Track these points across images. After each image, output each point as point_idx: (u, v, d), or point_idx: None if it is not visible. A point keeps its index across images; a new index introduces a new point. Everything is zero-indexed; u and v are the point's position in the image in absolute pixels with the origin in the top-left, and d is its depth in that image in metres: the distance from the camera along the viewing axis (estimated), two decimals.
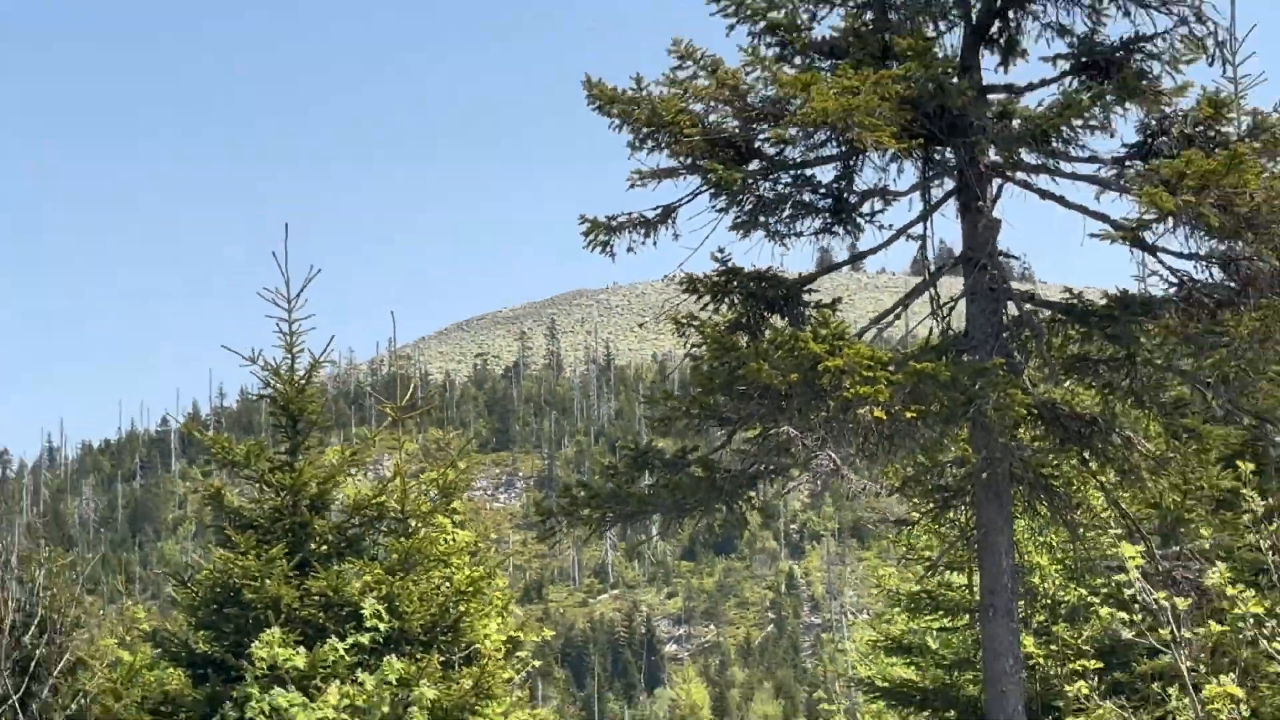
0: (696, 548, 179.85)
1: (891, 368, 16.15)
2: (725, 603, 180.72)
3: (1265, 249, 16.31)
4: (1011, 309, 17.65)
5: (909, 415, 15.90)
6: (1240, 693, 10.78)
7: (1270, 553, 12.47)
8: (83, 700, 19.33)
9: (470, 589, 18.59)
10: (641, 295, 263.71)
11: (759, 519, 17.63)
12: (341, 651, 15.86)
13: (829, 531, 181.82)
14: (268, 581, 17.32)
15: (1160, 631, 11.89)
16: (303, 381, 18.66)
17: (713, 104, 16.91)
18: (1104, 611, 19.23)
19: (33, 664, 18.57)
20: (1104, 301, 17.32)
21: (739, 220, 17.75)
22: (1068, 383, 17.76)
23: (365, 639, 16.01)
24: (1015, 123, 17.27)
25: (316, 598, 17.09)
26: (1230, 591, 11.66)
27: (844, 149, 17.05)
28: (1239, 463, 16.66)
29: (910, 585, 21.09)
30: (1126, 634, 15.87)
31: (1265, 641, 11.26)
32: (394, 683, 15.35)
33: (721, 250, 17.36)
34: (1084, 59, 17.26)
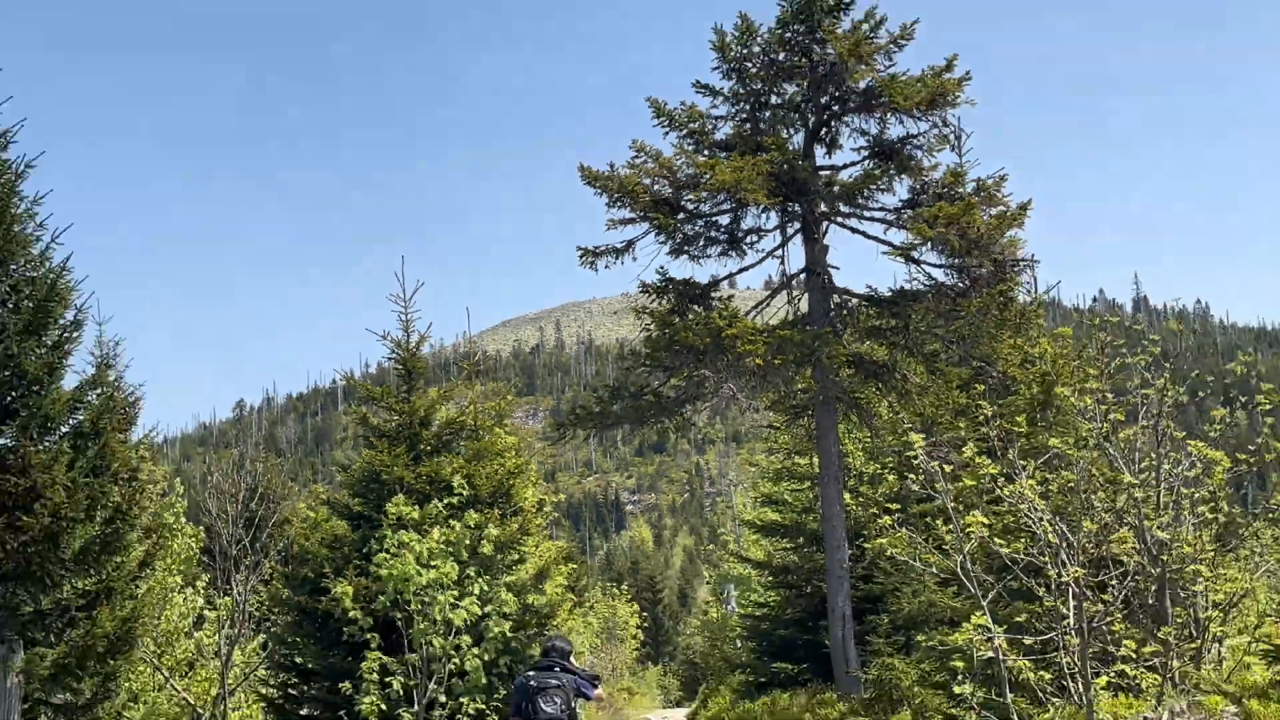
0: (644, 448, 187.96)
1: (765, 335, 16.41)
2: (661, 480, 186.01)
3: (985, 260, 16.61)
4: (835, 299, 17.92)
5: (776, 362, 16.20)
6: (983, 519, 10.94)
7: (995, 439, 12.64)
8: (286, 541, 19.63)
9: (516, 471, 18.80)
10: (609, 303, 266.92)
11: (683, 429, 17.86)
12: (439, 508, 16.02)
13: (720, 438, 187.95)
14: (395, 468, 17.57)
15: (935, 486, 12.03)
16: (414, 348, 18.86)
17: (655, 179, 17.15)
18: (891, 477, 19.48)
19: (256, 519, 18.75)
20: (889, 294, 17.63)
21: (672, 249, 18.14)
22: (868, 343, 18.10)
23: (455, 500, 16.16)
24: (836, 188, 17.57)
25: (424, 477, 17.36)
26: (976, 460, 11.82)
27: (734, 205, 17.39)
28: (972, 387, 16.97)
29: (775, 464, 21.43)
30: (914, 488, 16.15)
31: (997, 490, 11.44)
32: (472, 526, 15.49)
33: (662, 268, 18.02)
34: (876, 148, 17.54)
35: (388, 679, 14.69)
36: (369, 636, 14.83)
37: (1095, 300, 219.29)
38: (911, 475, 18.45)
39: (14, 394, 15.25)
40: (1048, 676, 11.59)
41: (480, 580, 15.22)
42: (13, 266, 15.60)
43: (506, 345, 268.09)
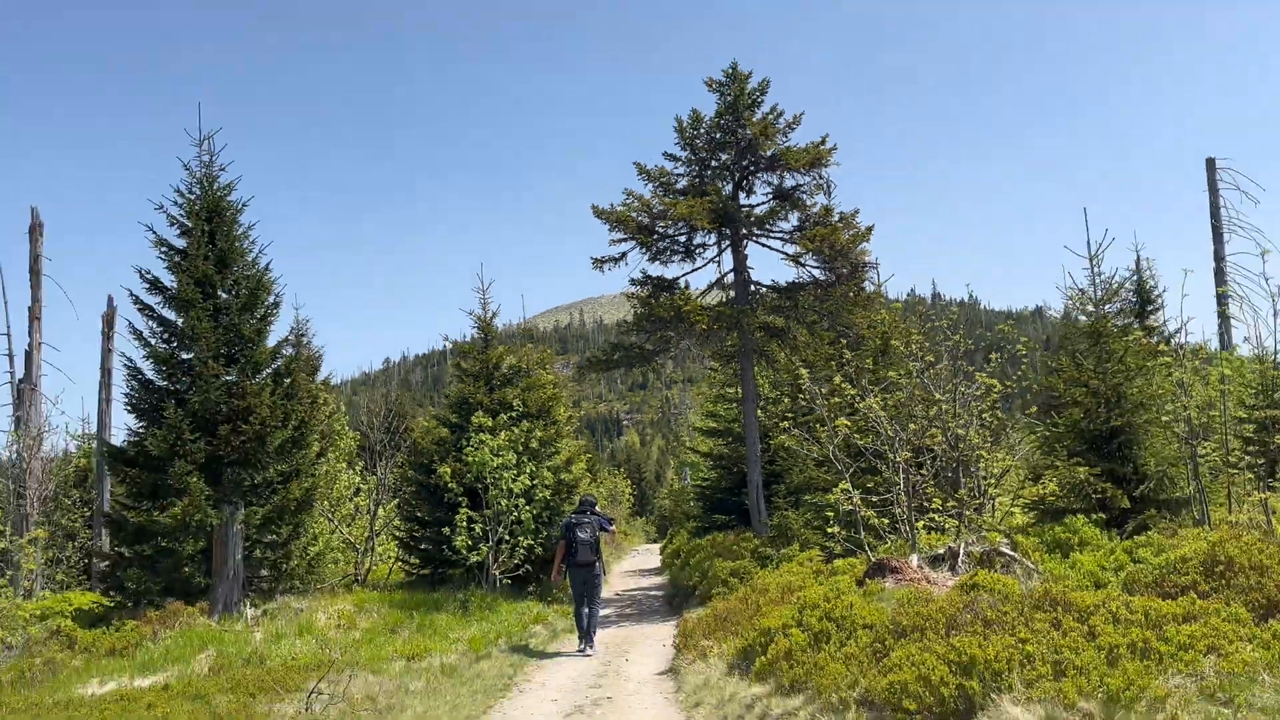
0: (634, 386, 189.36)
1: (708, 311, 15.91)
2: (644, 406, 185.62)
3: (845, 263, 16.10)
4: (751, 289, 17.38)
5: (715, 327, 15.73)
6: (846, 422, 10.46)
7: (853, 372, 12.19)
8: (410, 441, 19.06)
9: (553, 396, 18.36)
10: (613, 298, 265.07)
11: (657, 372, 17.32)
12: (505, 419, 15.61)
13: (680, 380, 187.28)
14: (476, 394, 17.13)
15: (815, 402, 11.61)
16: (489, 320, 18.37)
17: (639, 213, 16.57)
18: (785, 400, 18.97)
19: (392, 427, 18.41)
20: (785, 285, 17.14)
21: (650, 257, 17.62)
22: (771, 316, 17.58)
23: (514, 414, 15.76)
24: (752, 218, 17.03)
25: (495, 401, 16.86)
26: (840, 385, 11.34)
27: (688, 229, 16.82)
28: (837, 342, 16.53)
29: (713, 393, 20.92)
30: (802, 404, 15.76)
31: (855, 405, 10.98)
32: (525, 430, 15.04)
33: (643, 270, 17.56)
34: (777, 193, 17.00)
35: (472, 525, 14.29)
36: (460, 499, 14.42)
37: (910, 292, 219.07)
38: (800, 396, 18.00)
39: (236, 348, 14.88)
40: (886, 522, 11.22)
41: (530, 464, 14.80)
42: (234, 268, 15.31)
43: (549, 324, 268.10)
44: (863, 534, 10.52)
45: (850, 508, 10.89)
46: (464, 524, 14.17)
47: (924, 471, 11.00)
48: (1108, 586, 7.51)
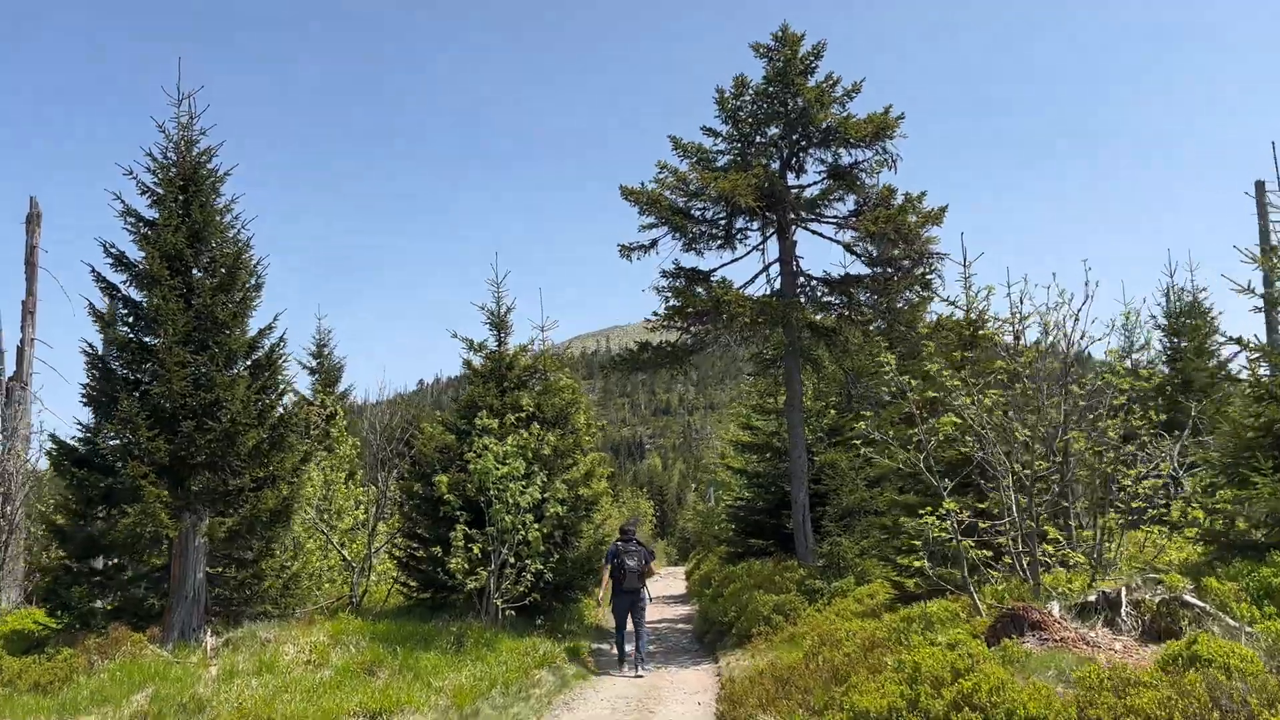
0: (657, 412, 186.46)
1: (750, 302, 13.30)
2: (666, 431, 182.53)
3: (911, 250, 13.46)
4: (800, 281, 14.73)
5: (759, 321, 13.06)
6: (955, 420, 7.76)
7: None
8: (414, 450, 16.52)
9: (571, 401, 15.77)
10: (636, 328, 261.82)
11: (686, 373, 14.61)
12: (512, 420, 13.07)
13: (702, 406, 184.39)
14: (486, 397, 14.58)
15: (906, 396, 8.93)
16: (503, 316, 15.84)
17: (673, 190, 13.98)
18: (832, 413, 16.30)
19: (397, 436, 15.91)
20: (839, 277, 14.48)
21: (684, 245, 14.97)
22: (821, 315, 14.83)
23: (523, 414, 13.26)
24: (801, 201, 14.37)
25: (507, 402, 14.27)
26: (943, 376, 8.69)
27: (728, 210, 14.16)
28: (895, 346, 13.87)
29: (751, 403, 18.08)
30: (854, 417, 13.09)
31: (953, 404, 8.32)
32: (537, 433, 12.47)
33: (676, 261, 14.76)
34: (833, 172, 14.35)
35: (470, 545, 11.68)
36: (459, 514, 11.88)
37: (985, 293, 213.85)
38: (854, 406, 15.31)
39: (208, 334, 12.47)
40: (985, 554, 8.49)
41: (541, 475, 12.20)
42: (211, 243, 12.92)
43: (575, 350, 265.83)
44: (965, 569, 7.78)
45: (941, 535, 8.18)
46: (460, 543, 11.57)
47: (1048, 489, 8.26)
48: None
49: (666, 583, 27.99)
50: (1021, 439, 7.95)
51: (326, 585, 18.59)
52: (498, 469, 11.84)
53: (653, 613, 18.34)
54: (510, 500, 11.81)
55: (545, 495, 12.20)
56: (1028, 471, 7.67)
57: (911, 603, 10.34)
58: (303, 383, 30.70)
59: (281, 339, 13.73)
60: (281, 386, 13.45)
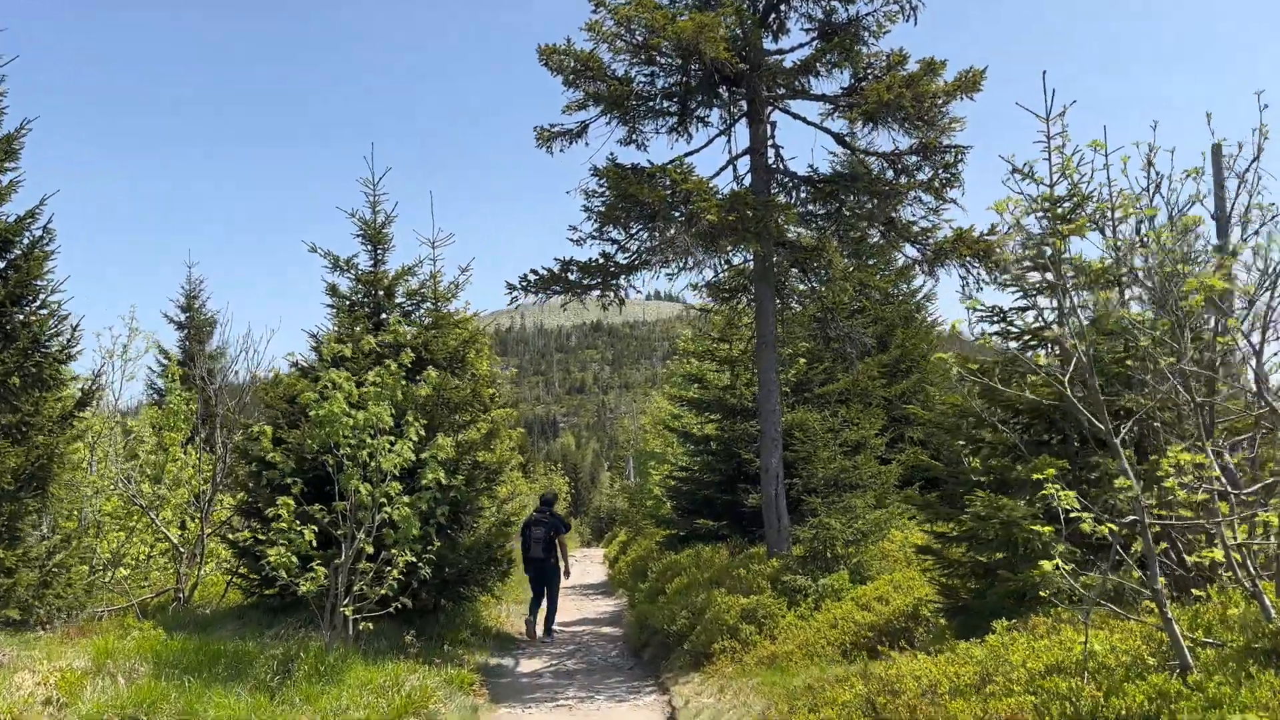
0: (571, 390, 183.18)
1: (717, 199, 9.55)
2: (581, 410, 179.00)
3: (931, 132, 9.95)
4: (777, 180, 11.03)
5: (730, 219, 9.29)
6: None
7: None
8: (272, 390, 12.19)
9: (470, 339, 11.81)
10: (554, 302, 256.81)
11: (621, 299, 10.64)
12: (372, 343, 9.10)
13: (616, 385, 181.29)
14: (355, 329, 10.56)
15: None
16: (380, 227, 11.89)
17: (611, 52, 10.11)
18: (803, 344, 12.80)
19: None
20: (829, 174, 10.83)
21: (624, 134, 11.12)
22: (801, 229, 11.16)
23: (389, 338, 9.31)
24: (780, 72, 10.65)
25: (385, 339, 10.08)
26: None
27: (685, 79, 10.32)
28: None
29: (701, 346, 14.25)
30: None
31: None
32: (408, 365, 8.50)
33: (612, 155, 10.49)
34: (824, 30, 10.67)
35: (301, 525, 7.69)
36: (288, 481, 7.91)
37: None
38: (829, 351, 11.89)
39: None
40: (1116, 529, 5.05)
41: (417, 423, 8.29)
42: None
43: (490, 326, 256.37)
44: (1155, 571, 4.25)
45: (1069, 508, 4.68)
46: (286, 524, 7.57)
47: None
48: None
49: (583, 567, 24.21)
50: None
51: (156, 575, 14.42)
52: (350, 417, 7.87)
53: (569, 610, 14.61)
54: (367, 463, 7.88)
55: (422, 456, 8.27)
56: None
57: (965, 616, 6.87)
58: (169, 339, 26.07)
59: (47, 230, 9.43)
60: (43, 299, 9.15)
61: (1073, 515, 5.11)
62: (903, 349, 14.12)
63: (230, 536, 12.32)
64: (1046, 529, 5.95)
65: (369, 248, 12.10)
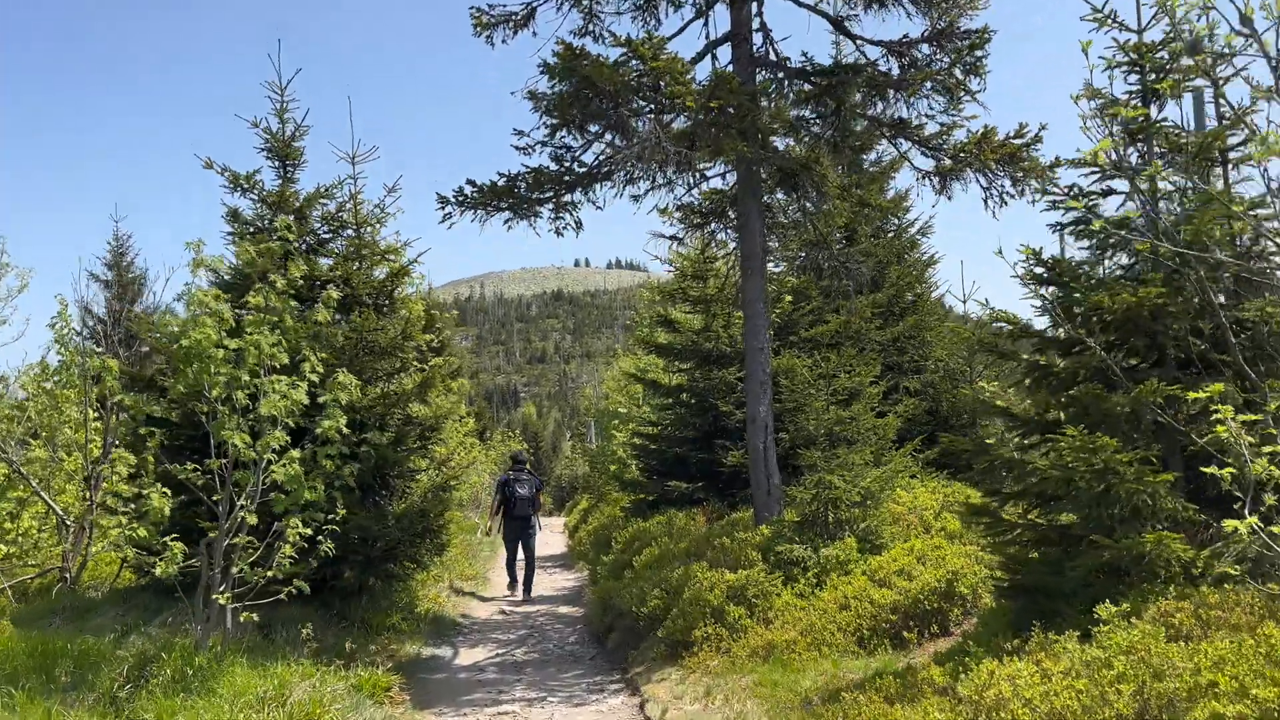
0: (533, 360, 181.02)
1: (695, 85, 7.66)
2: (542, 380, 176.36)
3: (948, 21, 8.17)
4: (764, 74, 9.16)
5: (713, 105, 7.44)
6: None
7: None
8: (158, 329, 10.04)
9: (398, 272, 9.85)
10: (516, 273, 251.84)
11: (575, 216, 8.67)
12: (251, 254, 7.15)
13: (577, 355, 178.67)
14: (261, 261, 8.43)
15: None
16: (289, 139, 9.87)
17: None
18: (789, 279, 11.09)
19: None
20: (826, 68, 8.96)
21: (579, 28, 9.15)
22: (791, 140, 9.31)
23: (278, 246, 7.48)
24: None
25: (293, 272, 7.99)
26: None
27: None
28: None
29: (673, 284, 12.34)
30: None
31: None
32: (300, 278, 6.61)
33: (563, 42, 8.32)
34: None
35: (150, 492, 5.80)
36: (147, 431, 6.00)
37: None
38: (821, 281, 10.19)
39: None
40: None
41: (314, 358, 6.40)
42: None
43: (449, 296, 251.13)
44: None
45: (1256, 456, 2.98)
46: (130, 487, 5.68)
47: None
48: None
49: (542, 537, 22.35)
50: None
51: (47, 552, 12.44)
52: (223, 349, 5.96)
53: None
54: (248, 408, 5.99)
55: (321, 400, 6.38)
56: None
57: (1028, 597, 5.20)
58: (99, 301, 23.73)
59: None
60: None
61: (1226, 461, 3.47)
62: (896, 288, 12.45)
63: (111, 504, 10.34)
64: (1163, 476, 4.31)
65: (275, 163, 10.06)
